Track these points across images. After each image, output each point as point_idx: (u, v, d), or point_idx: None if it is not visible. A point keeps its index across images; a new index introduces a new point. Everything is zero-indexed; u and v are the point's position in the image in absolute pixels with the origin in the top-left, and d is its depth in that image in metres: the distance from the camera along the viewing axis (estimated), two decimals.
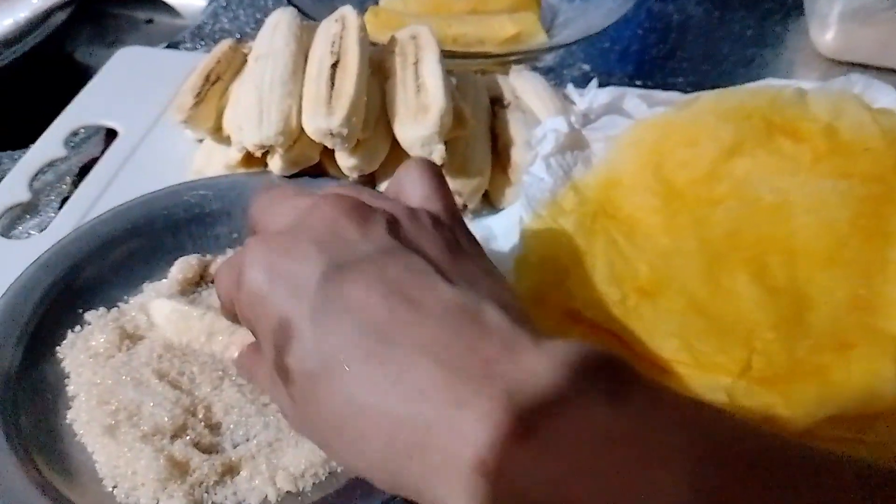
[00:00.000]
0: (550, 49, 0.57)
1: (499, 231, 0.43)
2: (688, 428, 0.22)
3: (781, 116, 0.44)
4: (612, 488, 0.21)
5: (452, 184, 0.44)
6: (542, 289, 0.39)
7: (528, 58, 0.57)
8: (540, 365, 0.22)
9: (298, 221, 0.28)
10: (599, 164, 0.45)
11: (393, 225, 0.27)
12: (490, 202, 0.47)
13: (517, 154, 0.47)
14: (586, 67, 0.59)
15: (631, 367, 0.23)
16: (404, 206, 0.29)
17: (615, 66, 0.59)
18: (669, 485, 0.20)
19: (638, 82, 0.57)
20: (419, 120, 0.42)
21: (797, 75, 0.60)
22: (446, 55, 0.55)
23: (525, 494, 0.21)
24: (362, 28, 0.46)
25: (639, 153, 0.45)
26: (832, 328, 0.36)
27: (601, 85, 0.52)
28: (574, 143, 0.47)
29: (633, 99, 0.49)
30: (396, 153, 0.44)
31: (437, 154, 0.42)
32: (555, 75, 0.58)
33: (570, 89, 0.51)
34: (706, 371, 0.35)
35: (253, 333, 0.29)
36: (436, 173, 0.31)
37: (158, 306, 0.39)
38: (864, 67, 0.59)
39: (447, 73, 0.48)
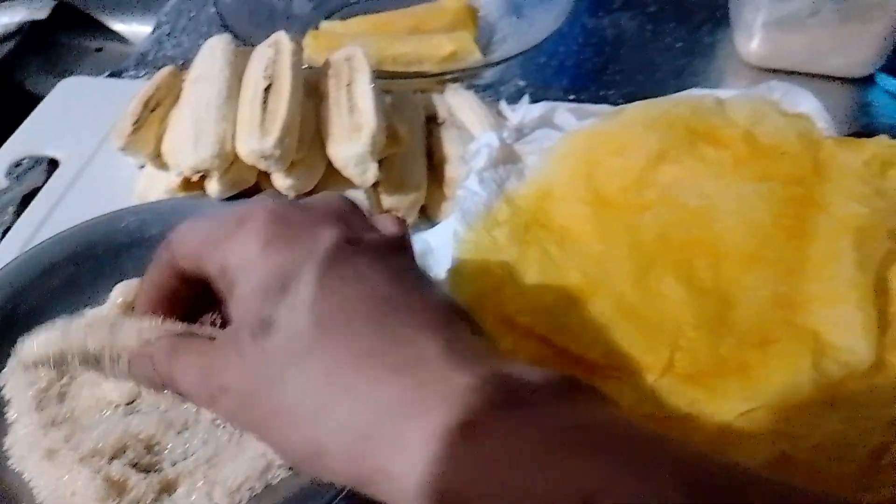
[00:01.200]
0: (486, 66, 0.59)
1: (435, 244, 0.44)
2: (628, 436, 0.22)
3: (703, 124, 0.46)
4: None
5: (389, 200, 0.46)
6: (478, 298, 0.40)
7: (465, 75, 0.59)
8: (512, 365, 0.23)
9: (302, 203, 0.28)
10: (532, 176, 0.47)
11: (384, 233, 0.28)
12: (427, 216, 0.48)
13: (452, 169, 0.48)
14: (522, 83, 0.60)
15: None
16: None
17: (551, 81, 0.61)
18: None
19: (572, 96, 0.59)
20: (352, 140, 0.43)
21: (726, 84, 0.62)
22: (386, 75, 0.57)
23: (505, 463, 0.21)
24: (296, 52, 0.47)
25: (570, 164, 0.46)
26: (755, 325, 0.37)
27: (537, 99, 0.54)
28: (507, 157, 0.48)
29: (563, 113, 0.51)
30: (332, 172, 0.45)
31: (371, 172, 0.43)
32: (493, 91, 0.59)
33: (503, 105, 0.52)
34: (632, 371, 0.36)
35: (224, 285, 0.26)
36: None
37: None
38: (789, 74, 0.62)
39: (383, 92, 0.49)
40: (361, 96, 0.45)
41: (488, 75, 0.61)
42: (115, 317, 0.32)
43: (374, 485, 0.22)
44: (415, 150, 0.48)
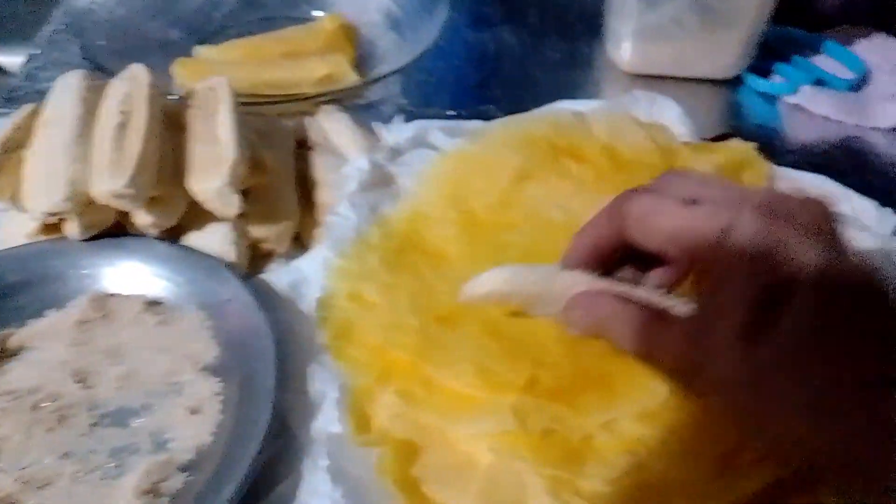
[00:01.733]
0: (362, 86, 0.58)
1: (309, 273, 0.43)
2: None
3: (565, 140, 0.46)
4: None
5: (257, 231, 0.45)
6: (347, 328, 0.40)
7: (344, 96, 0.58)
8: None
9: (775, 201, 0.28)
10: (405, 199, 0.47)
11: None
12: (302, 244, 0.47)
13: (324, 195, 0.47)
14: (404, 101, 0.60)
15: None
16: None
17: (432, 98, 0.61)
18: None
19: (452, 112, 0.59)
20: (212, 173, 0.42)
21: (604, 93, 0.64)
22: (257, 102, 0.56)
23: None
24: (153, 85, 0.45)
25: (440, 185, 0.46)
26: None
27: (419, 117, 0.54)
28: (380, 180, 0.48)
29: (436, 132, 0.51)
30: (197, 205, 0.44)
31: (234, 205, 0.42)
32: (374, 112, 0.59)
33: (378, 126, 0.52)
34: (496, 391, 0.36)
35: (713, 278, 0.28)
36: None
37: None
38: (661, 79, 0.63)
39: (249, 120, 0.48)
40: (223, 127, 0.45)
41: (369, 95, 0.61)
42: (554, 269, 0.36)
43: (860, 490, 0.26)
44: (284, 178, 0.47)
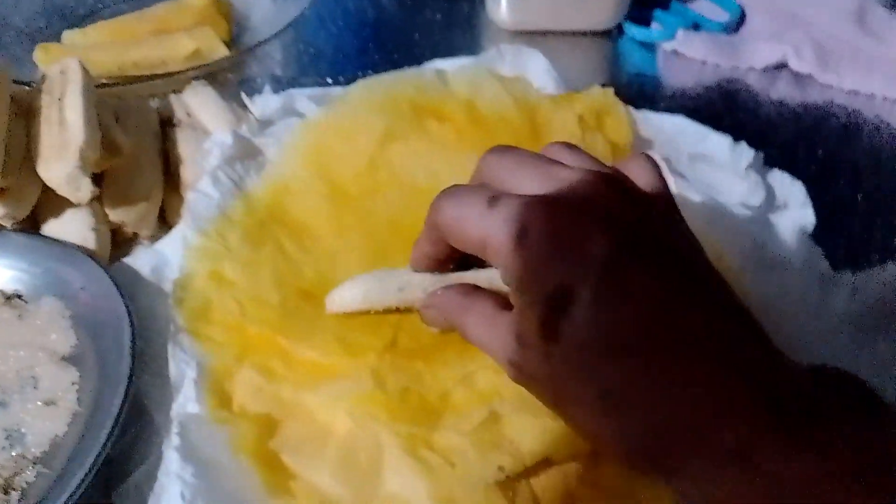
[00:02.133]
0: (236, 61, 0.57)
1: (171, 255, 0.42)
2: None
3: (426, 99, 0.46)
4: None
5: (114, 214, 0.43)
6: (204, 309, 0.39)
7: (218, 71, 0.57)
8: (792, 376, 0.25)
9: (568, 191, 0.27)
10: (269, 170, 0.46)
11: (659, 214, 0.29)
12: (167, 224, 0.46)
13: (187, 172, 0.46)
14: (280, 73, 0.59)
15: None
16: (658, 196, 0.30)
17: (309, 68, 0.60)
18: None
19: (330, 81, 0.58)
20: (61, 157, 0.41)
21: (484, 52, 0.63)
22: (125, 82, 0.54)
23: (779, 487, 0.23)
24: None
25: (304, 155, 0.45)
26: None
27: (296, 86, 0.53)
28: (245, 153, 0.47)
29: (303, 100, 0.50)
30: (51, 193, 0.42)
31: (85, 189, 0.41)
32: (251, 86, 0.57)
33: (245, 98, 0.51)
34: (355, 356, 0.36)
35: (513, 287, 0.28)
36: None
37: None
38: (542, 34, 0.63)
39: (104, 101, 0.47)
40: (71, 110, 0.43)
41: (245, 70, 0.59)
42: (404, 274, 0.36)
43: (653, 476, 0.26)
44: (143, 158, 0.46)
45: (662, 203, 0.29)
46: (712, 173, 0.44)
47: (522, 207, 0.27)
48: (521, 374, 0.29)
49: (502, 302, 0.31)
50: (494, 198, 0.28)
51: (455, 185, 0.31)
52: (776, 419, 0.23)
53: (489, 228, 0.28)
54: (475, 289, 0.33)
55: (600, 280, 0.25)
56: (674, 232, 0.29)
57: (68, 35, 0.61)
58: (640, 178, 0.30)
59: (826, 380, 0.26)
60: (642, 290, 0.25)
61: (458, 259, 0.34)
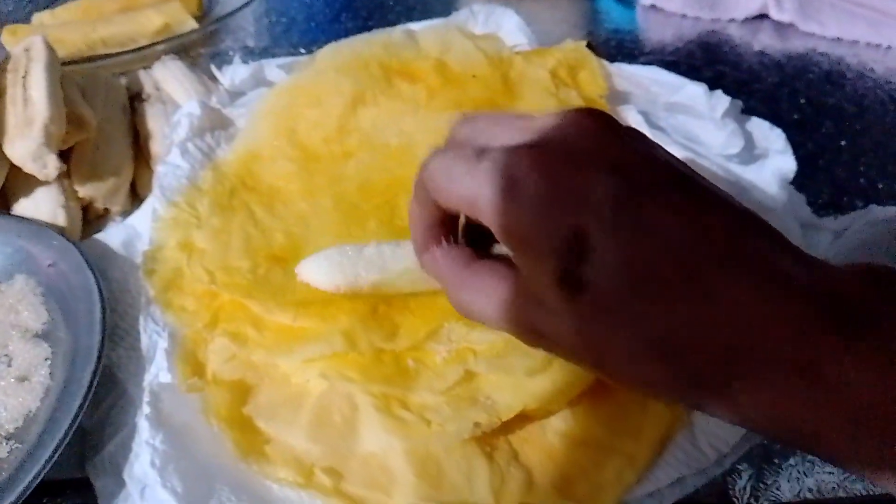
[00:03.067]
0: (209, 34, 0.56)
1: (142, 229, 0.42)
2: None
3: (396, 60, 0.45)
4: None
5: (84, 190, 0.43)
6: (175, 278, 0.38)
7: (190, 45, 0.56)
8: (838, 279, 0.23)
9: (555, 134, 0.25)
10: (239, 138, 0.45)
11: (647, 143, 0.26)
12: (139, 198, 0.45)
13: (156, 145, 0.45)
14: (252, 45, 0.58)
15: None
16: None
17: (282, 39, 0.59)
18: None
19: (303, 50, 0.57)
20: (25, 134, 0.40)
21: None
22: (92, 59, 0.53)
23: (850, 397, 0.21)
24: None
25: (273, 121, 0.45)
26: None
27: (264, 58, 0.52)
28: (216, 123, 0.46)
29: (273, 69, 0.49)
30: (18, 170, 0.42)
31: (52, 165, 0.40)
32: (224, 59, 0.57)
33: (214, 69, 0.50)
34: (325, 320, 0.35)
35: (512, 244, 0.25)
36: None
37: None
38: None
39: (70, 77, 0.46)
40: (35, 86, 0.42)
41: (217, 43, 0.59)
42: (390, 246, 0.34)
43: (708, 407, 0.24)
44: (112, 134, 0.45)
45: (668, 153, 0.27)
46: (690, 123, 0.43)
47: (510, 156, 0.25)
48: (543, 338, 0.26)
49: (505, 269, 0.28)
50: (482, 151, 0.26)
51: (444, 150, 0.29)
52: (838, 329, 0.22)
53: (477, 185, 0.25)
54: (471, 258, 0.29)
55: (615, 216, 0.23)
56: (670, 159, 0.26)
57: (37, 17, 0.60)
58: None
59: (871, 276, 0.23)
60: (661, 221, 0.23)
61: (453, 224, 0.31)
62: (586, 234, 0.23)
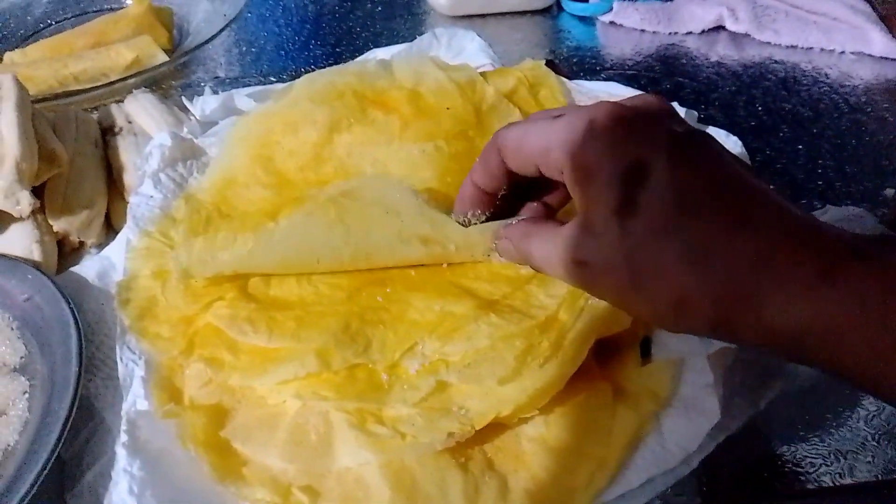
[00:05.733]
0: (179, 67, 0.57)
1: (117, 260, 0.42)
2: None
3: (371, 89, 0.46)
4: None
5: (58, 224, 0.43)
6: (152, 303, 0.39)
7: (161, 79, 0.57)
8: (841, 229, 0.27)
9: (625, 101, 0.29)
10: (212, 167, 0.46)
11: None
12: (115, 230, 0.46)
13: (130, 177, 0.46)
14: (223, 75, 0.59)
15: None
16: None
17: (251, 67, 0.60)
18: None
19: (273, 78, 0.58)
20: None
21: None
22: (63, 95, 0.54)
23: (861, 301, 0.24)
24: None
25: (249, 149, 0.45)
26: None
27: (235, 88, 0.53)
28: (187, 153, 0.47)
29: (242, 98, 0.50)
30: None
31: (25, 202, 0.41)
32: (195, 90, 0.57)
33: (185, 101, 0.51)
34: (302, 341, 0.36)
35: (576, 178, 0.29)
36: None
37: None
38: (482, 17, 0.64)
39: (41, 114, 0.47)
40: (5, 124, 0.43)
41: (189, 74, 0.59)
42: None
43: (735, 322, 0.26)
44: (84, 167, 0.46)
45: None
46: None
47: (587, 111, 0.29)
48: (594, 270, 0.29)
49: (562, 223, 0.32)
50: (559, 115, 0.30)
51: (521, 121, 0.33)
52: (848, 248, 0.25)
53: (555, 131, 0.30)
54: (539, 218, 0.34)
55: (672, 150, 0.27)
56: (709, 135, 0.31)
57: (8, 56, 0.60)
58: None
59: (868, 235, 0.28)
60: (711, 158, 0.28)
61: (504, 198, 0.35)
62: (646, 164, 0.27)
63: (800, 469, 0.34)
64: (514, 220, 0.35)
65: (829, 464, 0.34)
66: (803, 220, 0.27)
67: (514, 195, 0.35)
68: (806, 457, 0.35)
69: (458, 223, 0.36)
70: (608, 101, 0.29)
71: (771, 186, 0.28)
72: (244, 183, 0.44)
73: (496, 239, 0.35)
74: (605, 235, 0.28)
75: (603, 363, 0.36)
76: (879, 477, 0.34)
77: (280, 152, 0.45)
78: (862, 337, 0.24)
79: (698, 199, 0.27)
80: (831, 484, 0.34)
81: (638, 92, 0.47)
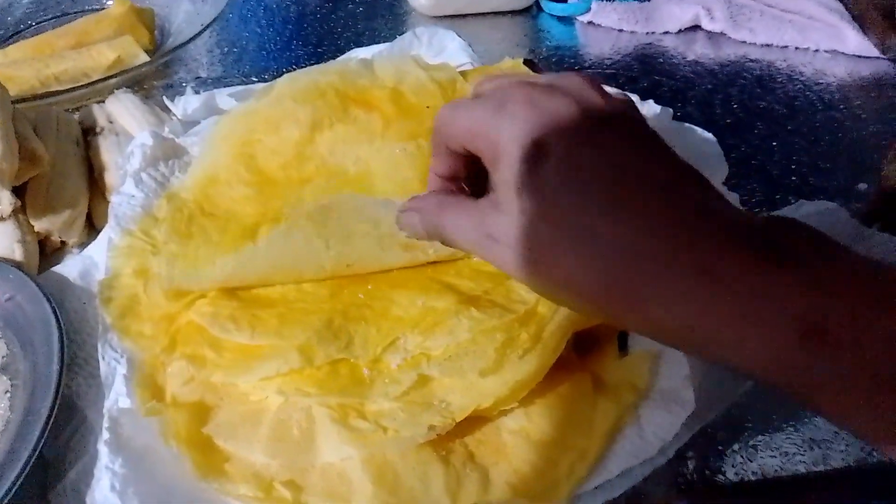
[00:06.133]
0: (161, 67, 0.57)
1: (99, 259, 0.42)
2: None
3: (353, 88, 0.46)
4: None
5: (40, 224, 0.43)
6: (131, 305, 0.39)
7: (143, 79, 0.57)
8: (747, 217, 0.26)
9: (544, 80, 0.30)
10: (195, 165, 0.46)
11: (618, 101, 0.30)
12: (96, 229, 0.46)
13: (111, 177, 0.46)
14: (205, 75, 0.59)
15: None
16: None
17: (233, 68, 0.60)
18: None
19: (255, 78, 0.58)
20: None
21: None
22: (45, 96, 0.54)
23: (744, 300, 0.24)
24: None
25: (231, 146, 0.45)
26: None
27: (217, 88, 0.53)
28: (169, 153, 0.47)
29: (224, 97, 0.50)
30: None
31: (6, 201, 0.41)
32: (177, 91, 0.57)
33: (166, 100, 0.51)
34: (284, 337, 0.36)
35: (490, 158, 0.29)
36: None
37: None
38: (463, 17, 0.64)
39: (21, 114, 0.47)
40: None
41: (171, 74, 0.60)
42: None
43: (624, 314, 0.27)
44: (65, 167, 0.46)
45: (631, 107, 0.31)
46: None
47: (503, 92, 0.30)
48: (497, 243, 0.29)
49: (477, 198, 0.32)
50: (480, 95, 0.31)
51: (454, 101, 0.33)
52: (738, 242, 0.25)
53: (473, 115, 0.30)
54: (455, 193, 0.34)
55: (575, 131, 0.28)
56: (638, 116, 0.31)
57: None
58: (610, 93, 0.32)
59: (778, 222, 0.27)
60: (609, 144, 0.28)
61: (469, 181, 0.35)
62: (547, 144, 0.27)
63: (774, 457, 0.35)
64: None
65: (803, 452, 0.35)
66: (701, 208, 0.26)
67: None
68: (781, 445, 0.35)
69: None
70: (523, 82, 0.30)
71: (699, 175, 0.28)
72: (227, 181, 0.44)
73: (399, 210, 0.35)
74: (508, 213, 0.28)
75: (582, 356, 0.37)
76: (853, 465, 0.35)
77: (262, 150, 0.45)
78: (749, 336, 0.24)
79: (590, 182, 0.27)
80: (806, 472, 0.34)
81: (615, 90, 0.48)
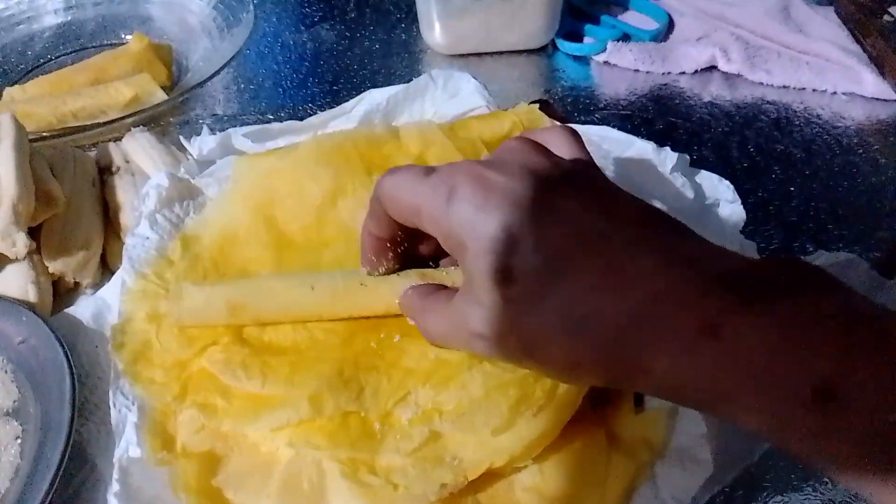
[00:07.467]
0: (178, 105, 0.58)
1: (112, 301, 0.42)
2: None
3: (378, 154, 0.46)
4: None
5: (54, 265, 0.44)
6: (146, 347, 0.39)
7: (160, 116, 0.57)
8: (740, 262, 0.26)
9: (489, 157, 0.30)
10: (211, 216, 0.45)
11: (577, 164, 0.30)
12: (111, 270, 0.46)
13: (126, 218, 0.46)
14: (221, 113, 0.60)
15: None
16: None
17: (249, 105, 0.61)
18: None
19: (271, 116, 0.59)
20: None
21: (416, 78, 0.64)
22: (62, 133, 0.54)
23: (748, 359, 0.23)
24: None
25: (251, 206, 0.44)
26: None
27: (237, 125, 0.53)
28: (185, 193, 0.47)
29: (240, 138, 0.50)
30: None
31: (21, 243, 0.41)
32: (193, 128, 0.58)
33: (182, 140, 0.51)
34: (295, 386, 0.36)
35: (451, 247, 0.29)
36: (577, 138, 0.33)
37: None
38: (478, 56, 0.65)
39: (39, 153, 0.47)
40: (2, 165, 0.43)
41: (188, 112, 0.60)
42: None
43: (629, 381, 0.27)
44: (81, 208, 0.46)
45: (581, 163, 0.31)
46: (641, 177, 0.45)
47: (450, 170, 0.29)
48: (489, 340, 0.28)
49: (455, 291, 0.31)
50: (430, 169, 0.30)
51: (397, 170, 0.32)
52: (736, 296, 0.24)
53: (422, 196, 0.29)
54: (433, 289, 0.34)
55: (534, 208, 0.27)
56: (592, 173, 0.31)
57: (7, 92, 0.61)
58: (559, 146, 0.32)
59: (774, 264, 0.26)
60: (575, 212, 0.27)
61: (405, 241, 0.35)
62: (511, 227, 0.27)
63: None
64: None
65: None
66: (688, 260, 0.26)
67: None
68: None
69: (369, 275, 0.36)
70: (468, 163, 0.29)
71: (667, 215, 0.28)
72: (245, 240, 0.44)
73: (399, 300, 0.35)
74: (490, 306, 0.27)
75: (597, 410, 0.36)
76: None
77: (283, 213, 0.44)
78: (758, 396, 0.23)
79: (567, 260, 0.26)
80: None
81: (629, 137, 0.47)
